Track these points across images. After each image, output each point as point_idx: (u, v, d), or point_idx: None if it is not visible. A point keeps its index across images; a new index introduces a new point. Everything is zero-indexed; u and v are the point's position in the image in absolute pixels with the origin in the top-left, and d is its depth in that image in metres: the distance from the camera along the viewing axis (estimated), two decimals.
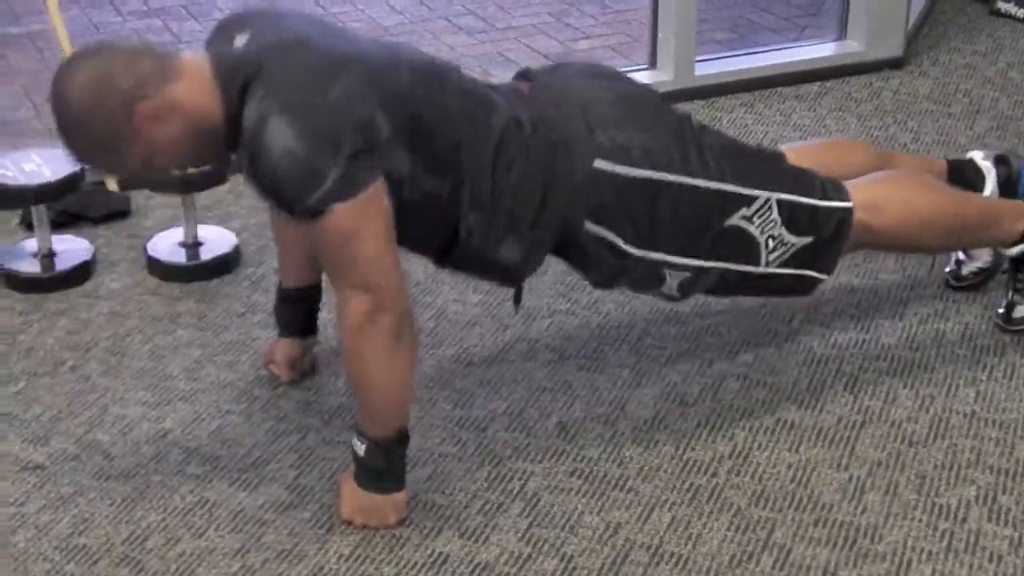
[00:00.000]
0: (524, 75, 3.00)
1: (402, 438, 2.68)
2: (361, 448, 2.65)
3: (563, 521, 2.71)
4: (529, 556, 2.62)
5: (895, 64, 4.90)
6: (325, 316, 3.20)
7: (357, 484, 2.69)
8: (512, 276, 2.83)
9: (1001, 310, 3.27)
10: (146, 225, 3.88)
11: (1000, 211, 3.20)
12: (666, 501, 2.76)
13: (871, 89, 4.75)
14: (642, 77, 4.69)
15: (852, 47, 4.92)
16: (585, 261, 2.86)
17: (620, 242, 2.80)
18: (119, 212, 3.93)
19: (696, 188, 2.81)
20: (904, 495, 2.75)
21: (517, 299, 2.94)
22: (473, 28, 5.55)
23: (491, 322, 3.34)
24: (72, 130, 2.56)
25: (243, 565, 2.61)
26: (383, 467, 2.67)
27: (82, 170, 3.62)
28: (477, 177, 2.66)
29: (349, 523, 2.70)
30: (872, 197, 2.99)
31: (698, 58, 4.70)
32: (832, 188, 2.96)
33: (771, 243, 2.89)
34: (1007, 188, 3.42)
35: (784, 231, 2.89)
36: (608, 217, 2.78)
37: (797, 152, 3.18)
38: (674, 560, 2.60)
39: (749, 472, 2.84)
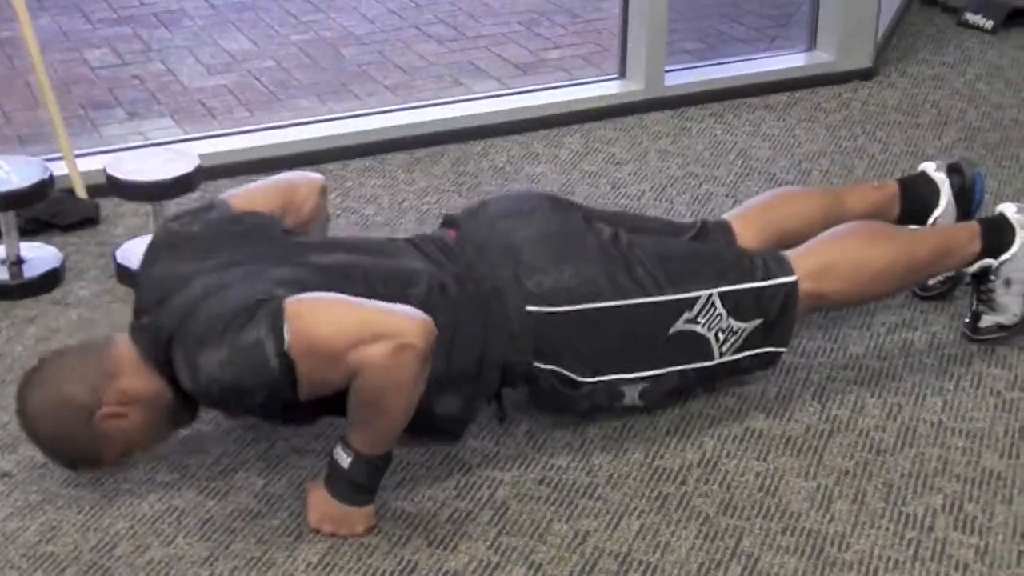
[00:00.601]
0: (450, 222, 3.04)
1: (389, 456, 2.68)
2: (346, 461, 2.64)
3: (532, 529, 2.71)
4: (498, 564, 2.62)
5: (864, 75, 4.93)
6: None
7: (330, 494, 2.68)
8: (450, 428, 2.82)
9: (967, 320, 3.29)
10: (115, 233, 3.87)
11: (951, 240, 3.19)
12: (635, 509, 2.77)
13: (840, 100, 4.77)
14: (612, 87, 4.73)
15: (822, 58, 4.95)
16: (539, 395, 2.89)
17: (571, 374, 2.84)
18: (88, 220, 3.92)
19: (633, 307, 2.85)
20: (871, 504, 2.77)
21: (501, 417, 2.94)
22: (444, 37, 5.55)
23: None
24: (53, 454, 2.74)
25: (212, 573, 2.61)
26: (364, 481, 2.67)
27: (51, 177, 3.61)
28: None
29: (317, 531, 2.70)
30: (818, 263, 2.99)
31: (668, 68, 4.72)
32: (774, 264, 2.97)
33: (721, 336, 2.91)
34: (962, 197, 3.43)
35: (732, 321, 2.91)
36: (554, 354, 2.82)
37: (743, 217, 3.22)
38: (643, 568, 2.61)
39: (717, 480, 2.85)
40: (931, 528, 2.70)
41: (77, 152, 4.09)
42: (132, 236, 3.77)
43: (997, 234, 3.18)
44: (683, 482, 2.84)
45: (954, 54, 5.15)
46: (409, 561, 2.63)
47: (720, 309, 2.89)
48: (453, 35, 5.58)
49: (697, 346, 2.90)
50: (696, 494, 2.81)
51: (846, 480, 2.84)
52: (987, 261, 3.17)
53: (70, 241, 3.82)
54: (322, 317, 2.52)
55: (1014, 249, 3.16)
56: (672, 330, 2.87)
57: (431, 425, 2.72)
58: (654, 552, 2.65)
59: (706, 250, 3.04)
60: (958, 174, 3.45)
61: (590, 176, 4.12)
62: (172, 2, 5.96)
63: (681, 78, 4.79)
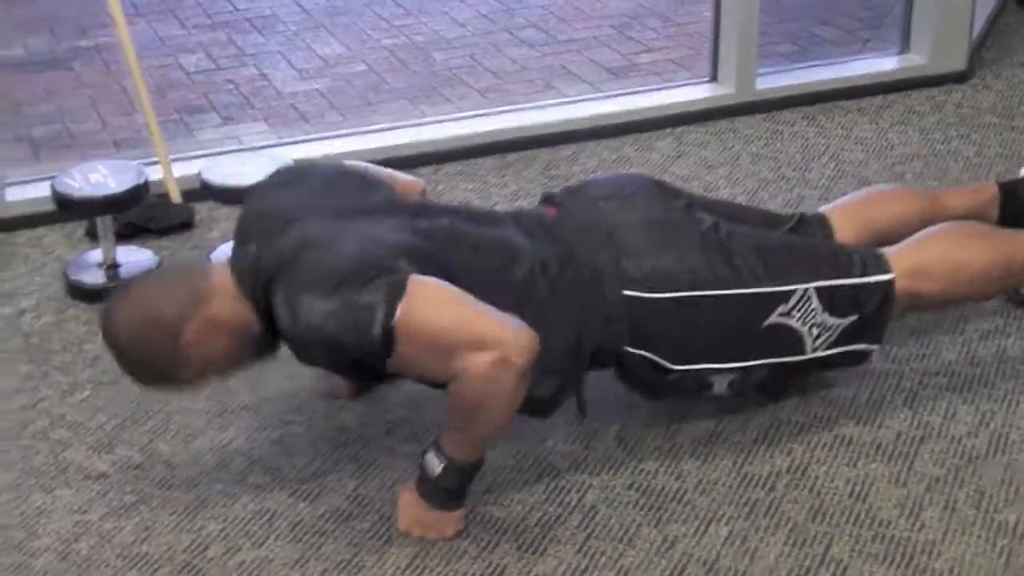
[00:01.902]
0: (550, 200, 3.04)
1: (481, 462, 2.70)
2: (438, 467, 2.65)
3: (620, 534, 2.72)
4: (586, 569, 2.63)
5: (958, 77, 4.88)
6: None
7: (422, 498, 2.70)
8: (543, 409, 2.83)
9: None
10: (210, 236, 3.92)
11: None
12: (723, 515, 2.76)
13: (934, 102, 4.73)
14: (703, 90, 4.72)
15: (915, 60, 4.91)
16: (630, 378, 2.90)
17: (662, 360, 2.83)
18: (183, 224, 3.97)
19: (729, 298, 2.83)
20: (963, 511, 2.74)
21: (581, 408, 2.91)
22: (535, 41, 5.57)
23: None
24: (130, 368, 2.74)
25: (302, 575, 2.64)
26: (455, 487, 2.69)
27: (147, 181, 3.66)
28: None
29: (407, 534, 2.72)
30: (916, 263, 2.97)
31: (760, 71, 4.70)
32: (872, 261, 2.95)
33: (815, 331, 2.89)
34: None
35: (827, 316, 2.89)
36: (647, 339, 2.82)
37: (841, 211, 3.20)
38: (731, 574, 2.61)
39: (807, 487, 2.84)
40: (1023, 536, 2.68)
41: (172, 156, 4.14)
42: (226, 240, 3.81)
43: None
44: (772, 488, 2.84)
45: None
46: (498, 565, 2.64)
47: (815, 304, 2.88)
48: (544, 39, 5.59)
49: (790, 340, 2.88)
50: (785, 500, 2.80)
51: (937, 487, 2.82)
52: None
53: (165, 245, 3.87)
54: (438, 308, 2.52)
55: None
56: (766, 323, 2.86)
57: (524, 405, 2.70)
58: (742, 559, 2.65)
59: (804, 244, 3.03)
60: None
61: (682, 180, 4.12)
62: (265, 7, 6.02)
63: (773, 81, 4.77)
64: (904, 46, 4.98)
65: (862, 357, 3.00)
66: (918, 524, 2.72)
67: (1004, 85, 4.85)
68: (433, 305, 2.52)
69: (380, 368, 2.59)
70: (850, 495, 2.80)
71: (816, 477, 2.86)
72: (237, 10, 6.02)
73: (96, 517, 2.81)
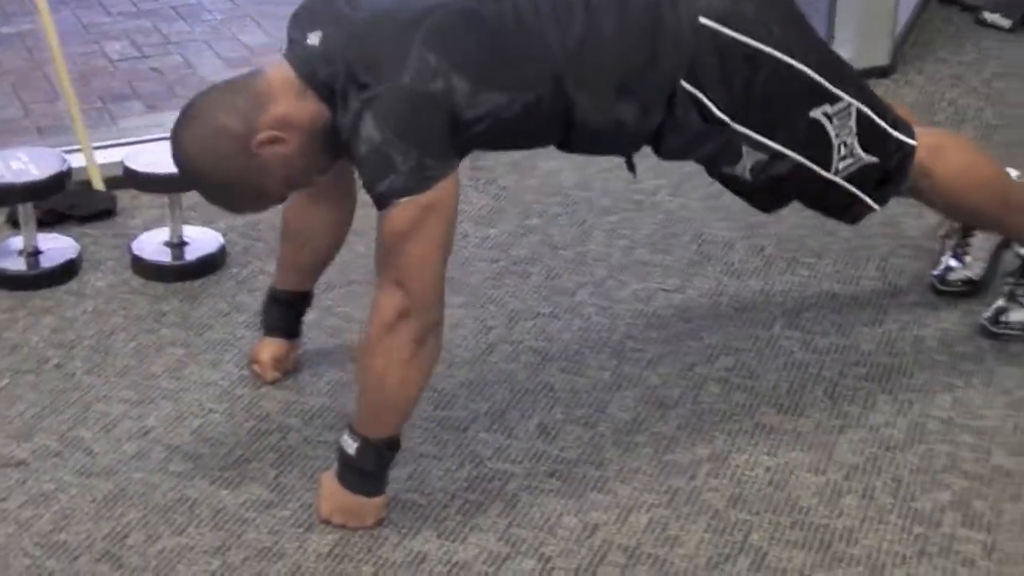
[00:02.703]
0: None
1: (394, 443, 2.69)
2: (352, 447, 2.65)
3: (542, 522, 2.73)
4: (507, 556, 2.64)
5: (882, 72, 4.92)
6: (310, 317, 3.22)
7: (340, 483, 2.70)
8: (631, 137, 2.82)
9: (990, 314, 3.29)
10: (132, 224, 3.89)
11: None
12: (644, 503, 2.78)
13: None
14: None
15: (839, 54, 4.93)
16: (670, 123, 2.81)
17: (713, 106, 2.78)
18: (105, 211, 3.94)
19: (792, 68, 2.82)
20: (880, 499, 2.77)
21: (630, 166, 2.94)
22: None
23: (473, 324, 3.36)
24: (217, 194, 2.71)
25: (223, 562, 2.63)
26: (371, 468, 2.68)
27: (69, 169, 3.64)
28: (574, 61, 2.66)
29: (327, 522, 2.71)
30: (937, 142, 3.06)
31: None
32: (902, 123, 3.00)
33: (843, 149, 2.91)
34: None
35: (856, 142, 2.92)
36: (705, 78, 2.76)
37: None
38: (651, 561, 2.62)
39: (727, 475, 2.85)
40: (939, 524, 2.70)
41: (95, 144, 4.12)
42: (149, 228, 3.80)
43: None
44: (693, 476, 2.85)
45: (972, 52, 5.14)
46: (419, 552, 2.65)
47: (852, 122, 2.90)
48: None
49: (822, 144, 2.89)
50: (706, 488, 2.82)
51: (855, 475, 2.84)
52: None
53: (87, 232, 3.85)
54: (422, 230, 2.53)
55: None
56: (811, 113, 2.86)
57: (615, 135, 2.74)
58: (663, 545, 2.66)
59: (858, 75, 3.08)
60: None
61: (605, 170, 4.12)
62: None
63: None
64: (828, 40, 5.00)
65: (860, 214, 3.04)
66: (836, 511, 2.74)
67: (926, 80, 4.89)
68: (421, 222, 2.53)
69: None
70: (770, 483, 2.83)
71: (736, 465, 2.88)
72: None
73: (14, 505, 2.79)
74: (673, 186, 4.10)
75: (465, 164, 4.21)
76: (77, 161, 3.93)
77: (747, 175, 2.89)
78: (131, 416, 3.05)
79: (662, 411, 3.05)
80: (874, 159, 2.94)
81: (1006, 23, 5.33)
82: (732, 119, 2.80)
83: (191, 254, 3.67)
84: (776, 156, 2.87)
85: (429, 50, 2.54)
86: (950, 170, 3.05)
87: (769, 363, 3.20)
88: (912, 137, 3.00)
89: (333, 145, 2.66)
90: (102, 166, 4.03)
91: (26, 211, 3.64)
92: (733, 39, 2.76)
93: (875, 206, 3.01)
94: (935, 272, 3.46)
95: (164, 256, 3.65)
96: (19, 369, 3.23)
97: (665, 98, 2.76)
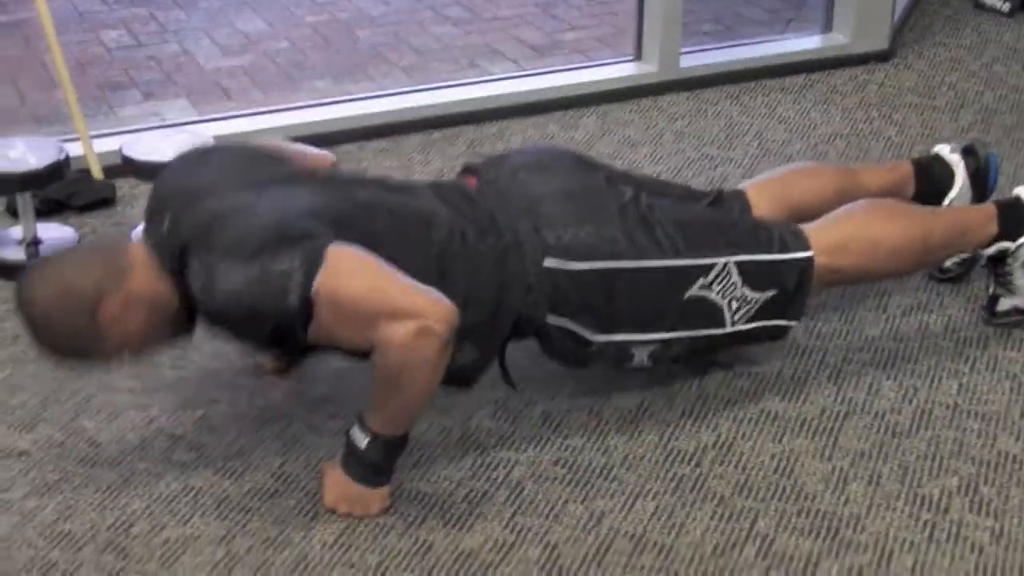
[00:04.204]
0: (470, 170, 3.03)
1: (406, 438, 2.69)
2: (363, 441, 2.64)
3: (547, 509, 2.72)
4: (513, 544, 2.63)
5: (881, 57, 4.92)
6: None
7: (347, 474, 2.69)
8: (464, 378, 2.83)
9: (985, 303, 3.29)
10: (131, 213, 3.88)
11: (967, 220, 3.19)
12: (650, 490, 2.77)
13: (856, 82, 4.76)
14: (627, 69, 4.72)
15: (838, 40, 4.94)
16: (551, 348, 2.89)
17: (582, 331, 2.83)
18: (104, 200, 3.93)
19: (649, 269, 2.84)
20: (887, 486, 2.77)
21: (507, 378, 2.93)
22: (460, 18, 5.55)
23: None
24: (46, 342, 2.69)
25: (228, 552, 2.62)
26: (380, 462, 2.67)
27: (67, 158, 3.62)
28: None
29: (332, 511, 2.70)
30: (834, 239, 2.99)
31: (684, 50, 4.71)
32: (791, 238, 2.96)
33: (734, 304, 2.90)
34: (976, 178, 3.43)
35: (746, 290, 2.90)
36: (567, 309, 2.81)
37: (758, 188, 3.21)
38: (657, 549, 2.61)
39: (733, 462, 2.85)
40: (946, 510, 2.70)
41: (93, 133, 4.10)
42: None
43: (1014, 217, 3.17)
44: (698, 464, 2.85)
45: (971, 36, 5.14)
46: (424, 541, 2.64)
47: (735, 278, 2.89)
48: (469, 17, 5.58)
49: (710, 313, 2.89)
50: (711, 475, 2.81)
51: (861, 462, 2.84)
52: (1005, 244, 3.16)
53: (86, 222, 3.83)
54: (357, 277, 2.52)
55: None
56: (687, 295, 2.86)
57: (447, 375, 2.70)
58: (669, 533, 2.65)
59: (724, 218, 3.04)
60: (972, 156, 3.45)
61: (606, 157, 4.12)
62: None
63: (697, 60, 4.79)
64: (827, 25, 5.01)
65: (781, 332, 3.02)
66: (843, 498, 2.74)
67: (926, 64, 4.89)
68: (352, 273, 2.52)
69: (301, 338, 2.58)
70: (775, 470, 2.82)
71: (742, 452, 2.87)
72: None
73: (18, 496, 2.77)
74: (673, 172, 4.09)
75: (463, 150, 4.21)
76: (75, 150, 3.92)
77: (649, 364, 2.92)
78: (134, 406, 3.04)
79: (667, 398, 3.04)
80: (771, 292, 2.93)
81: (1005, 7, 5.33)
82: (606, 334, 2.84)
83: None
84: (667, 342, 2.89)
85: (285, 213, 2.60)
86: (857, 259, 3.01)
87: (773, 349, 3.19)
88: (805, 248, 2.95)
89: (174, 326, 2.73)
90: (100, 155, 4.01)
91: (25, 200, 3.63)
92: (580, 269, 2.80)
93: (791, 323, 3.00)
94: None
95: None
96: (21, 359, 3.21)
97: (505, 339, 2.83)
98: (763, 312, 2.94)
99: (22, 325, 2.70)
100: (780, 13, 5.49)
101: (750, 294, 2.91)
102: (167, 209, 2.71)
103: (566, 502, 2.74)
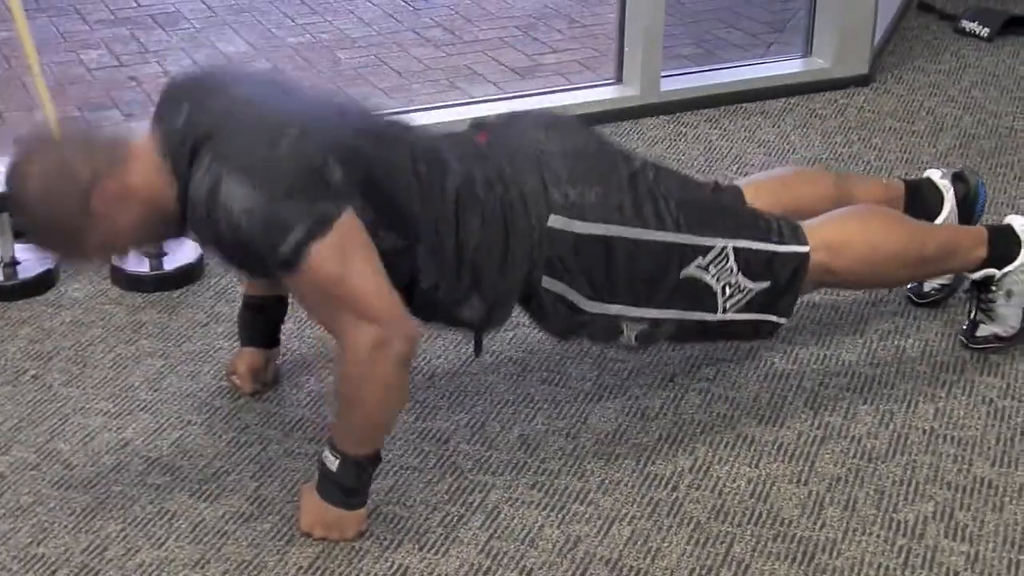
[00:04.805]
0: (480, 125, 3.00)
1: (376, 458, 2.68)
2: (334, 463, 2.63)
3: (523, 534, 2.71)
4: (489, 569, 2.63)
5: (860, 81, 4.93)
6: (288, 328, 3.21)
7: (321, 497, 2.68)
8: (476, 330, 2.84)
9: (965, 328, 3.29)
10: None
11: (959, 241, 3.19)
12: (626, 515, 2.77)
13: (836, 106, 4.77)
14: (608, 92, 4.73)
15: (818, 64, 4.95)
16: (542, 314, 2.87)
17: (576, 297, 2.82)
18: None
19: (651, 241, 2.83)
20: (862, 511, 2.77)
21: (478, 347, 2.93)
22: (441, 41, 5.56)
23: (454, 335, 3.34)
24: (31, 221, 2.63)
25: None
26: (353, 484, 2.67)
27: None
28: (436, 240, 2.68)
29: (308, 535, 2.70)
30: (831, 238, 2.98)
31: (664, 73, 4.72)
32: (789, 232, 2.96)
33: (728, 290, 2.90)
34: (965, 205, 3.44)
35: (741, 277, 2.90)
36: (564, 272, 2.80)
37: (755, 187, 3.19)
38: (633, 573, 2.61)
39: (709, 486, 2.85)
40: (922, 535, 2.70)
41: None
42: None
43: (1004, 244, 3.17)
44: (675, 488, 2.84)
45: (950, 61, 5.16)
46: (400, 565, 2.63)
47: (732, 263, 2.88)
48: (450, 39, 5.58)
49: (703, 295, 2.88)
50: (687, 500, 2.81)
51: (837, 487, 2.84)
52: (991, 271, 3.17)
53: None
54: (347, 263, 2.49)
55: (1018, 261, 3.17)
56: (683, 274, 2.85)
57: (454, 320, 2.69)
58: (645, 558, 2.65)
59: (726, 203, 3.03)
60: (962, 183, 3.46)
61: None
62: (169, 4, 5.97)
63: (677, 83, 4.79)
64: (807, 49, 5.02)
65: (768, 330, 3.01)
66: (819, 523, 2.74)
67: (905, 89, 4.90)
68: (344, 257, 2.50)
69: (276, 280, 2.58)
70: (752, 495, 2.82)
71: (718, 477, 2.87)
72: (140, 6, 5.96)
73: None
74: None
75: None
76: None
77: (634, 344, 2.91)
78: (109, 428, 3.03)
79: (643, 422, 3.04)
80: (765, 284, 2.92)
81: (984, 32, 5.35)
82: (599, 303, 2.83)
83: (169, 264, 3.64)
84: (657, 322, 2.88)
85: (307, 137, 2.54)
86: (852, 261, 3.00)
87: (750, 374, 3.20)
88: (802, 242, 2.95)
89: (164, 227, 2.66)
90: None
91: (3, 221, 3.62)
92: (584, 231, 2.79)
93: (781, 320, 2.99)
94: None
95: (142, 267, 3.63)
96: None
97: (513, 301, 2.82)
98: (754, 303, 2.93)
99: (12, 203, 2.64)
100: (761, 37, 5.51)
101: (744, 282, 2.90)
102: (186, 100, 2.64)
103: (542, 526, 2.74)
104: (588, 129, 3.05)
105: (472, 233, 2.69)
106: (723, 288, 2.89)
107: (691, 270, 2.86)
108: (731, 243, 2.88)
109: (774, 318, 2.97)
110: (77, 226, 2.56)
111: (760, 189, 3.19)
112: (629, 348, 2.93)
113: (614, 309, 2.84)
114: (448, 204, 2.70)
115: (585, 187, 2.81)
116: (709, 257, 2.86)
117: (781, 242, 2.93)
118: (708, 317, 2.91)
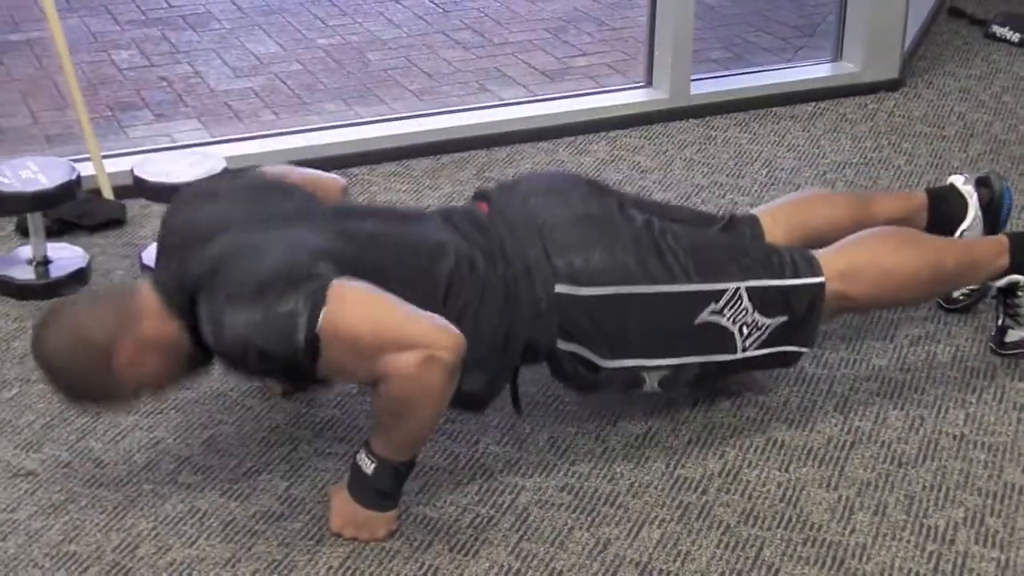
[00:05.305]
0: (482, 196, 3.03)
1: (413, 463, 2.69)
2: (370, 467, 2.64)
3: (553, 536, 2.72)
4: (519, 571, 2.63)
5: (891, 86, 4.92)
6: None
7: (353, 498, 2.69)
8: (474, 404, 2.84)
9: (993, 334, 3.28)
10: (141, 234, 3.89)
11: (979, 252, 3.18)
12: (656, 518, 2.77)
13: (866, 111, 4.77)
14: (638, 95, 4.73)
15: (848, 68, 4.94)
16: (562, 374, 2.90)
17: (593, 356, 2.84)
18: (114, 220, 3.94)
19: (660, 294, 2.84)
20: (893, 516, 2.76)
21: (516, 403, 2.94)
22: (470, 43, 5.56)
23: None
24: (64, 391, 2.72)
25: (233, 575, 2.62)
26: (387, 488, 2.68)
27: (78, 178, 3.63)
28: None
29: (339, 535, 2.70)
30: (847, 265, 2.98)
31: (694, 77, 4.72)
32: (803, 264, 2.96)
33: (746, 329, 2.90)
34: (989, 210, 3.42)
35: (757, 315, 2.90)
36: (578, 334, 2.82)
37: (773, 213, 3.21)
38: None
39: (739, 490, 2.85)
40: (952, 541, 2.70)
41: (104, 153, 4.11)
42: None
43: None
44: (704, 491, 2.84)
45: (981, 66, 5.15)
46: (430, 566, 2.64)
47: (746, 303, 2.89)
48: (480, 41, 5.59)
49: (721, 338, 2.89)
50: (717, 504, 2.81)
51: (867, 492, 2.83)
52: (1015, 277, 3.16)
53: (96, 242, 3.84)
54: (361, 312, 2.51)
55: None
56: (697, 320, 2.87)
57: (456, 399, 2.69)
58: (674, 561, 2.65)
59: (736, 243, 3.04)
60: (986, 188, 3.45)
61: (615, 184, 4.12)
62: (200, 5, 5.99)
63: (707, 87, 4.79)
64: (837, 54, 5.02)
65: (792, 359, 3.02)
66: (849, 528, 2.73)
67: (935, 94, 4.89)
68: (356, 309, 2.52)
69: (310, 374, 2.59)
70: (782, 499, 2.82)
71: (748, 481, 2.87)
72: (171, 7, 5.97)
73: (24, 516, 2.78)
74: (682, 199, 4.09)
75: (472, 175, 4.22)
76: (86, 170, 3.93)
77: (659, 390, 2.93)
78: (141, 427, 3.05)
79: (673, 425, 3.04)
80: (783, 318, 2.93)
81: (1015, 37, 5.34)
82: (616, 359, 2.85)
83: None
84: (678, 368, 2.90)
85: (292, 250, 2.62)
86: (868, 286, 3.00)
87: (780, 378, 3.19)
88: (817, 273, 2.95)
89: (189, 364, 2.73)
90: (111, 175, 4.02)
91: (35, 220, 3.64)
92: (592, 294, 2.81)
93: (802, 350, 3.00)
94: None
95: None
96: (28, 379, 3.22)
97: (515, 367, 2.86)
98: (775, 338, 2.94)
99: (41, 375, 2.74)
100: (790, 41, 5.50)
101: (761, 319, 2.91)
102: (176, 250, 2.73)
103: (572, 529, 2.74)
104: (588, 186, 3.06)
105: (466, 316, 2.69)
106: (740, 328, 2.90)
107: (706, 316, 2.87)
108: (744, 284, 2.89)
109: (795, 348, 2.98)
110: (106, 384, 2.67)
111: (778, 214, 3.20)
112: (652, 394, 2.94)
113: (632, 362, 2.87)
114: (438, 292, 2.71)
115: (588, 253, 2.83)
116: (723, 301, 2.87)
117: (796, 275, 2.94)
118: (729, 358, 2.92)
